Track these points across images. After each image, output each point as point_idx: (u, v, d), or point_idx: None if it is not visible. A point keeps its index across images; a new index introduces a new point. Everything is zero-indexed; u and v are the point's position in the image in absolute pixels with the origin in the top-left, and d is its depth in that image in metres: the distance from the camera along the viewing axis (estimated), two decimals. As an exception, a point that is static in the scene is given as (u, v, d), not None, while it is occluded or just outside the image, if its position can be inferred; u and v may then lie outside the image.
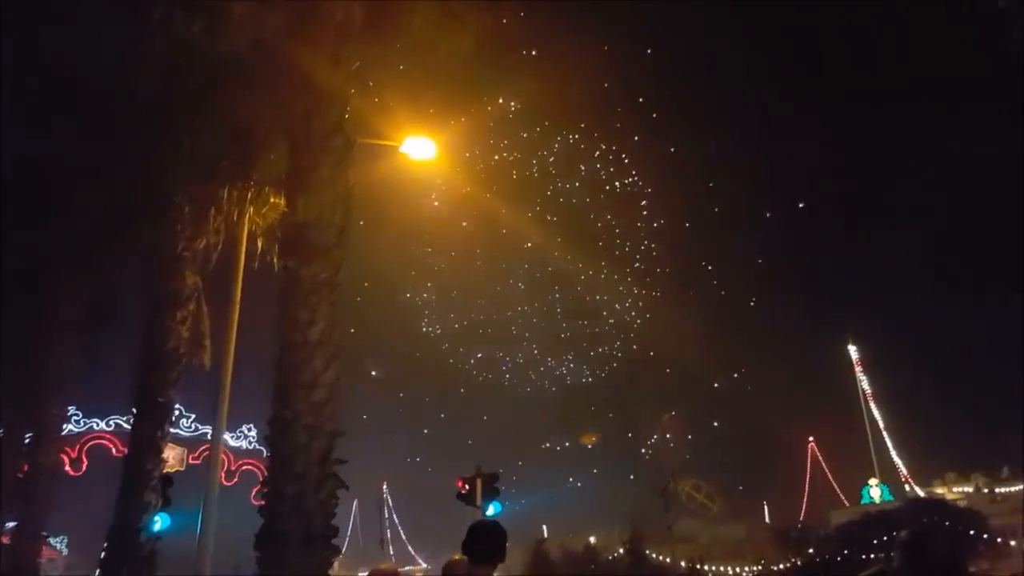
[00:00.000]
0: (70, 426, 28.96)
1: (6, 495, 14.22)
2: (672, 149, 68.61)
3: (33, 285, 13.75)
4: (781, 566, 29.81)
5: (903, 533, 3.48)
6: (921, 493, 48.26)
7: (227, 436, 32.30)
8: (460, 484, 16.12)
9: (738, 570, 33.71)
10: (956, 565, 3.72)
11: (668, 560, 25.34)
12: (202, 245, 13.24)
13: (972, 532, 25.70)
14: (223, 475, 28.85)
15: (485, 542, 3.71)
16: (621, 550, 33.72)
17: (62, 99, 12.80)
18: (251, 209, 13.26)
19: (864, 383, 59.20)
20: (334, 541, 8.14)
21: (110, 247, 12.92)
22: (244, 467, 34.63)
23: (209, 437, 14.85)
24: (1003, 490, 41.66)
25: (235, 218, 13.18)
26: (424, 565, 59.82)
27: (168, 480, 13.21)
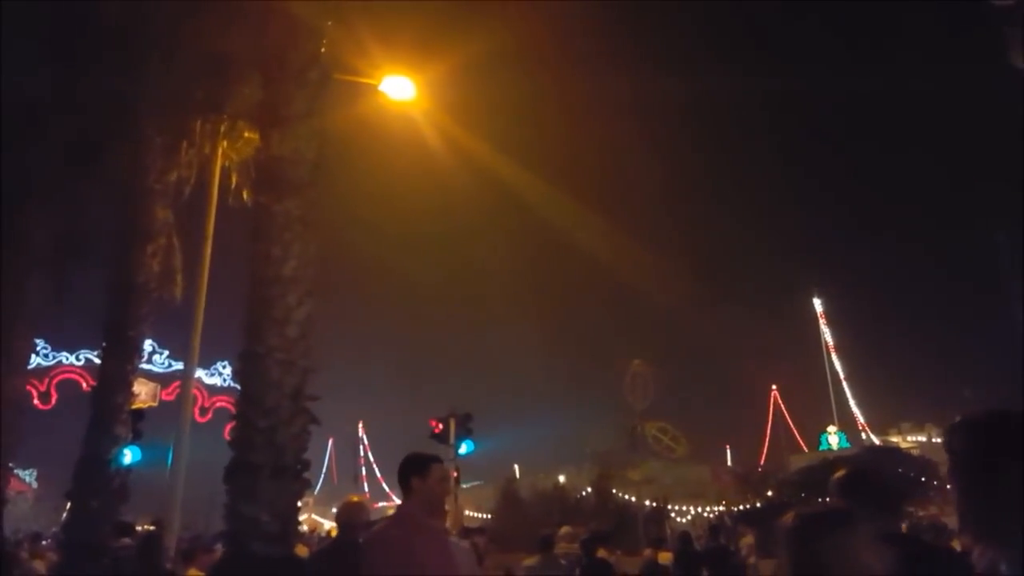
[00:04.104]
0: (39, 360, 28.71)
1: None
2: (657, 95, 68.24)
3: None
4: (742, 507, 30.81)
5: (838, 474, 3.40)
6: (877, 441, 49.94)
7: (201, 373, 32.34)
8: (434, 424, 16.44)
9: (700, 510, 34.80)
10: (891, 499, 3.65)
11: (633, 499, 26.07)
12: (174, 178, 13.01)
13: (923, 479, 26.68)
14: (197, 411, 29.01)
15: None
16: (589, 489, 34.55)
17: (28, 26, 12.33)
18: (224, 143, 13.03)
19: (827, 335, 61.08)
20: (306, 476, 8.25)
21: (79, 178, 12.64)
22: (218, 404, 34.71)
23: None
24: (954, 440, 43.14)
25: (208, 152, 12.97)
26: (398, 502, 60.82)
27: (139, 414, 13.25)
